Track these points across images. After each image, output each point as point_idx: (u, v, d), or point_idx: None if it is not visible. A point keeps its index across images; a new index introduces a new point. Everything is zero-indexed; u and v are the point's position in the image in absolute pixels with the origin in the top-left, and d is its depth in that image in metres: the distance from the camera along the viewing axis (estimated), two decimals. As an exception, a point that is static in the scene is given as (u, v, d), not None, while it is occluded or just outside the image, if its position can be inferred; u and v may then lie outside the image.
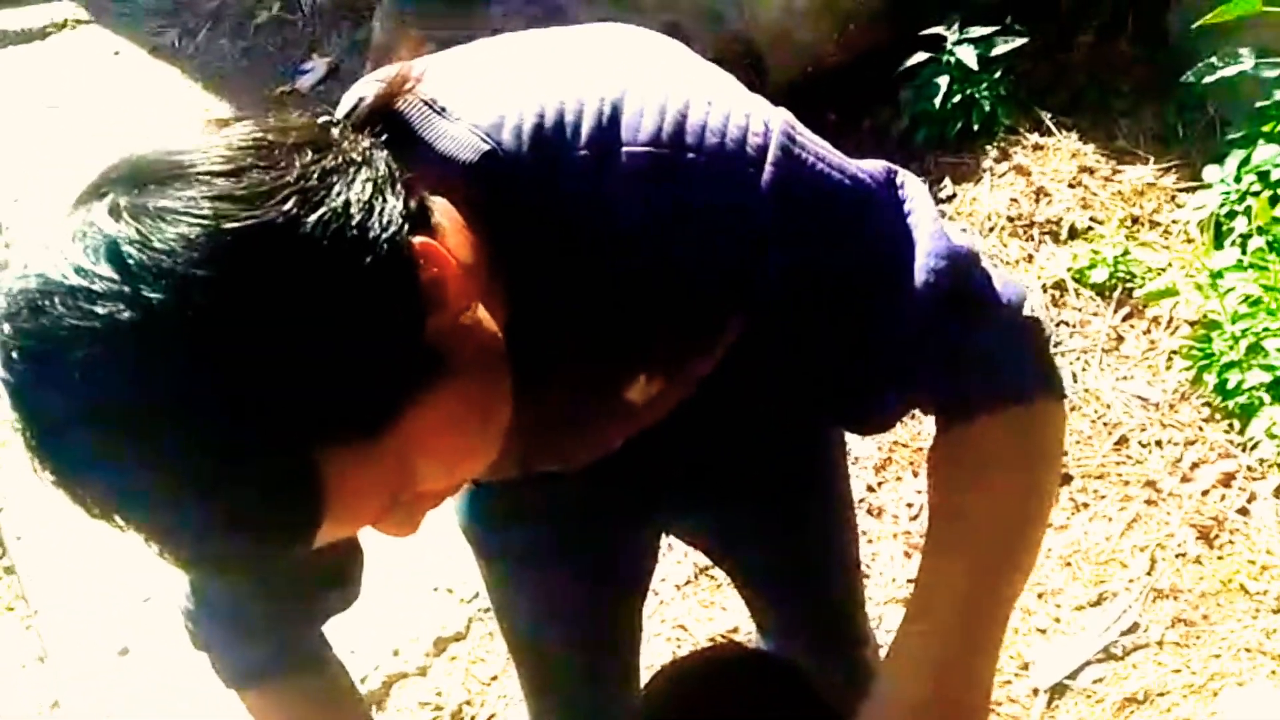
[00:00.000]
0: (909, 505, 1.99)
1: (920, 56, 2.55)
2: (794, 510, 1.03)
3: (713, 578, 2.00)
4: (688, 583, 1.99)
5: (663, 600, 1.95)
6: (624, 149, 0.58)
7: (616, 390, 0.71)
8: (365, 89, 0.62)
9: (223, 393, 0.45)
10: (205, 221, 0.45)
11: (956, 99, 2.55)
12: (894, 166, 0.65)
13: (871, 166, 0.64)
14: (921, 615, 0.65)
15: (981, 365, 0.64)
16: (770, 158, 0.59)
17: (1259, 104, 2.26)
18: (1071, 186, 2.46)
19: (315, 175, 0.48)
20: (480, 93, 0.61)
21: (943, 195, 2.51)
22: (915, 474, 2.04)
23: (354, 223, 0.48)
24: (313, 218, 0.47)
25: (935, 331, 0.62)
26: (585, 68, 0.62)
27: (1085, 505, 1.98)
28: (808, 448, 1.01)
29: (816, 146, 0.63)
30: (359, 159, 0.51)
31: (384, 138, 0.57)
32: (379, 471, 0.51)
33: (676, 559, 1.98)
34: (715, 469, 0.96)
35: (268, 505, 0.47)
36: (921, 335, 0.62)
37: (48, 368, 0.44)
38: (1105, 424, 2.14)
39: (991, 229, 2.41)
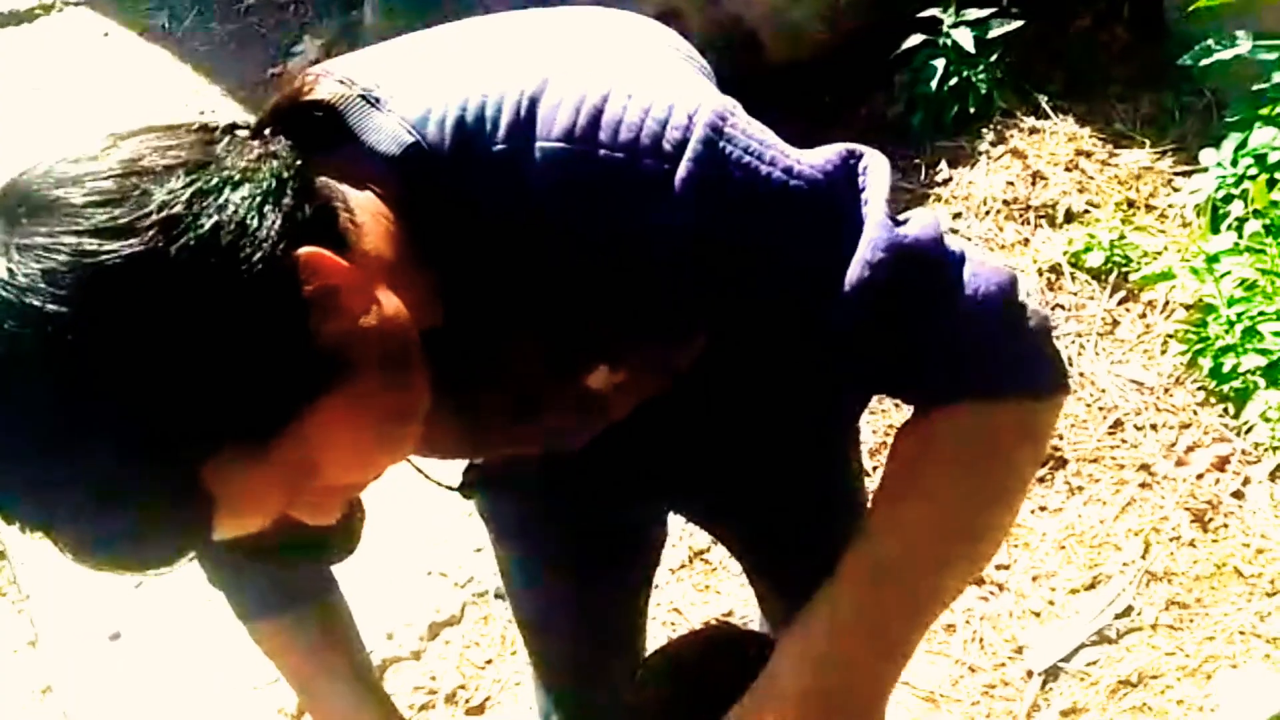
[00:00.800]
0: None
1: (916, 39, 2.54)
2: (798, 499, 1.02)
3: (707, 562, 2.00)
4: (682, 566, 1.99)
5: (657, 584, 1.94)
6: (538, 144, 0.58)
7: (574, 378, 0.70)
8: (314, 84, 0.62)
9: (94, 421, 0.47)
10: (66, 258, 0.46)
11: (953, 82, 2.54)
12: (855, 150, 0.62)
13: (820, 156, 0.61)
14: (825, 599, 0.62)
15: (934, 358, 0.61)
16: (689, 153, 0.57)
17: (1256, 87, 2.25)
18: (1068, 170, 2.46)
19: (184, 200, 0.49)
20: (414, 83, 0.61)
21: (939, 179, 2.50)
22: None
23: (223, 244, 0.49)
24: (175, 246, 0.48)
25: (874, 324, 0.60)
26: (514, 57, 0.62)
27: (1080, 489, 1.98)
28: (808, 438, 1.00)
29: (750, 139, 0.59)
30: (239, 175, 0.52)
31: (296, 137, 0.58)
32: (272, 474, 0.52)
33: (671, 543, 1.98)
34: (709, 457, 0.95)
35: (155, 517, 0.50)
36: (860, 329, 0.60)
37: None
38: (1100, 408, 2.14)
39: (987, 213, 2.40)
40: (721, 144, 0.58)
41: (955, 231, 2.38)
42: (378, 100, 0.60)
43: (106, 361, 0.47)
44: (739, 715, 0.63)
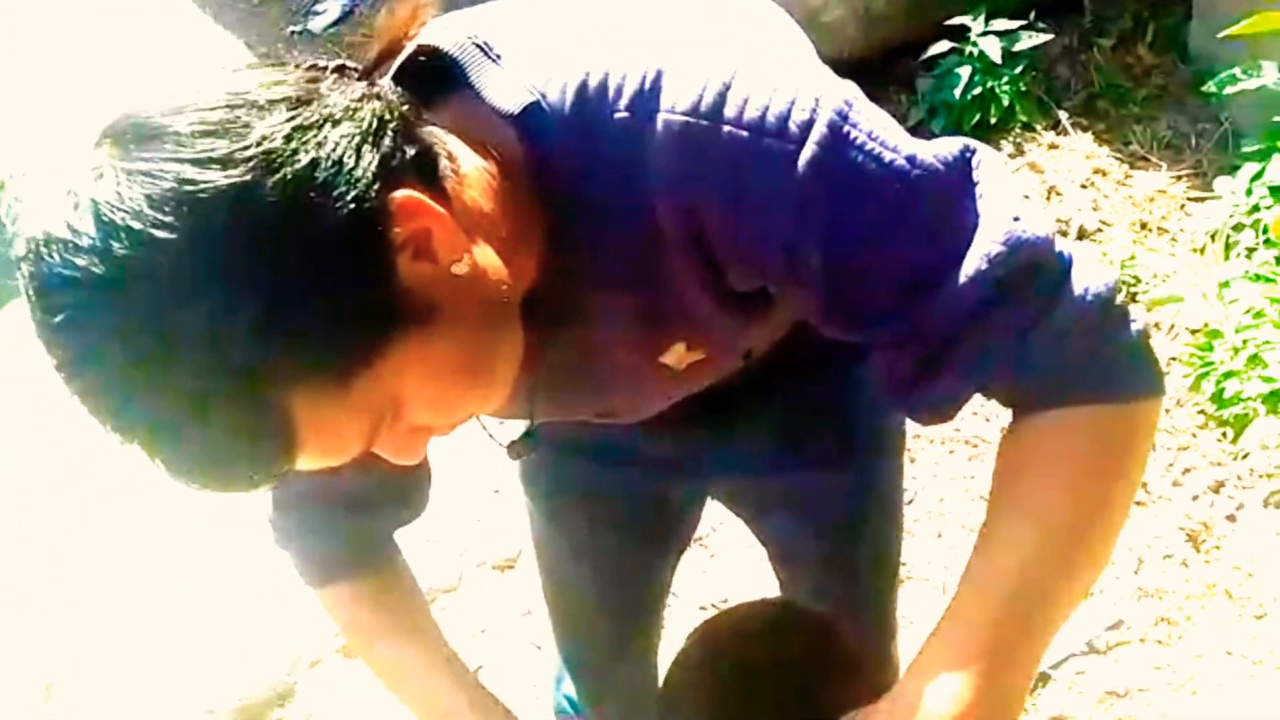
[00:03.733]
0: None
1: (943, 46, 2.55)
2: (840, 492, 1.03)
3: (704, 546, 2.01)
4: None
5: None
6: (661, 115, 0.58)
7: (651, 354, 0.71)
8: (429, 33, 0.62)
9: (184, 343, 0.48)
10: (170, 184, 0.48)
11: (976, 91, 2.55)
12: (970, 144, 0.62)
13: (942, 147, 0.61)
14: (958, 607, 0.61)
15: (1046, 357, 0.61)
16: (814, 135, 0.57)
17: (1277, 118, 2.28)
18: (1084, 188, 2.48)
19: (284, 134, 0.50)
20: (535, 44, 0.62)
21: (955, 187, 2.52)
22: (913, 460, 2.06)
23: (318, 181, 0.50)
24: (272, 180, 0.49)
25: (988, 319, 0.59)
26: (640, 28, 0.62)
27: (1077, 502, 2.01)
28: (862, 431, 1.01)
29: (873, 125, 0.60)
30: (340, 114, 0.53)
31: (409, 83, 0.59)
32: (354, 412, 0.53)
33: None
34: (765, 437, 0.96)
35: (234, 442, 0.51)
36: (972, 321, 0.60)
37: (49, 312, 0.49)
38: (1101, 424, 2.17)
39: (1002, 224, 2.42)
40: (846, 128, 0.58)
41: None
42: (498, 56, 0.60)
43: (198, 286, 0.48)
44: (901, 702, 0.61)
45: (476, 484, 2.22)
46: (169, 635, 1.97)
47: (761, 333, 0.76)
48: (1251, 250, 2.25)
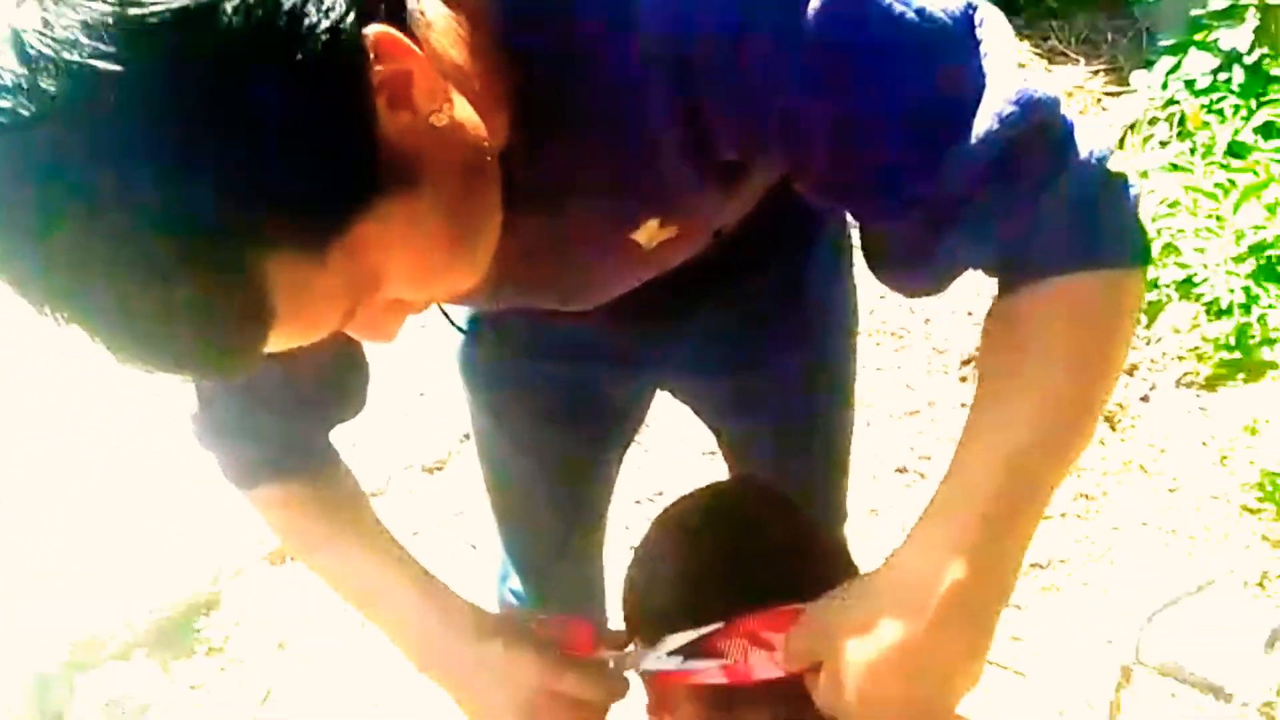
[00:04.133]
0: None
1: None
2: (795, 377, 1.01)
3: (637, 441, 2.00)
4: (613, 448, 2.00)
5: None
6: None
7: (622, 230, 0.67)
8: None
9: (137, 196, 0.42)
10: (108, 8, 0.41)
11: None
12: (975, 2, 0.58)
13: (949, 2, 0.57)
14: (947, 495, 0.60)
15: (1052, 222, 0.58)
16: None
17: (1194, 12, 2.31)
18: (1005, 82, 2.49)
19: None
20: None
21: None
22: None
23: (285, 8, 0.43)
24: (232, 3, 0.42)
25: (1000, 180, 0.57)
26: None
27: (999, 389, 2.06)
28: (819, 313, 0.99)
29: None
30: None
31: None
32: (332, 280, 0.48)
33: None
34: (722, 325, 0.93)
35: (208, 312, 0.45)
36: (984, 183, 0.57)
37: None
38: (1021, 314, 2.21)
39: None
40: None
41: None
42: None
43: (150, 127, 0.41)
44: (868, 597, 0.60)
45: (401, 386, 2.16)
46: (82, 545, 1.89)
47: (736, 207, 0.72)
48: (1165, 143, 2.31)
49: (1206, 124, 2.24)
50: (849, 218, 0.96)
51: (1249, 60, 2.36)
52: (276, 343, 0.49)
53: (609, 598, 1.38)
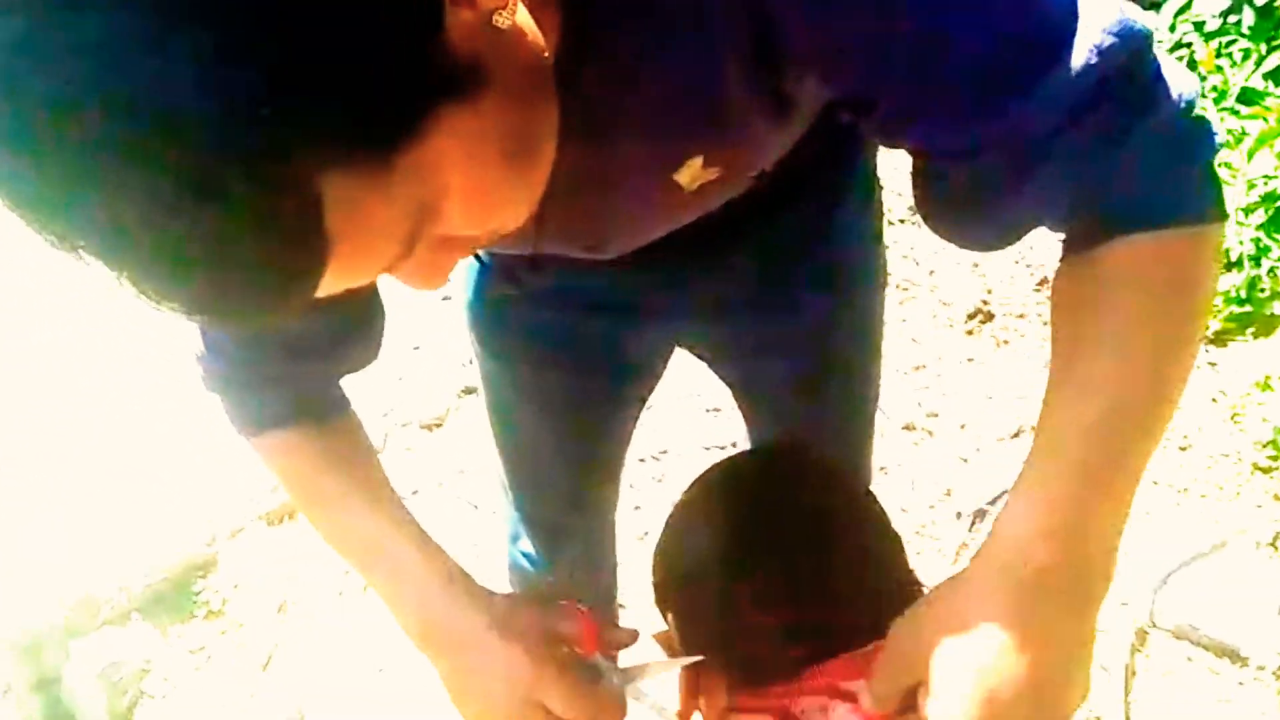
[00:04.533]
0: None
1: None
2: (820, 330, 0.98)
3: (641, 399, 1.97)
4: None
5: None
6: None
7: (665, 167, 0.62)
8: None
9: (168, 98, 0.35)
10: None
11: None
12: None
13: None
14: (1038, 462, 0.56)
15: (1137, 170, 0.54)
16: None
17: (1208, -50, 2.24)
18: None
19: None
20: None
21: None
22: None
23: None
24: None
25: (1090, 119, 0.52)
26: None
27: (1006, 342, 2.03)
28: (848, 261, 0.95)
29: None
30: None
31: None
32: (393, 203, 0.42)
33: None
34: (749, 273, 0.89)
35: (255, 236, 0.38)
36: (1073, 122, 0.52)
37: None
38: (1027, 265, 2.18)
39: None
40: None
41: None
42: None
43: (185, 15, 0.35)
44: (957, 601, 0.56)
45: (395, 340, 2.10)
46: (76, 508, 1.84)
47: (780, 145, 0.67)
48: (1176, 88, 2.25)
49: (1219, 68, 2.18)
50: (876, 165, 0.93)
51: (1259, 1, 2.30)
52: (329, 283, 0.43)
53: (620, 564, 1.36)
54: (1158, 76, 0.54)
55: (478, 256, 0.78)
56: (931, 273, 2.19)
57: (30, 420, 1.99)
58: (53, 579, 1.71)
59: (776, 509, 0.70)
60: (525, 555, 1.24)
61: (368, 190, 0.40)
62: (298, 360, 0.74)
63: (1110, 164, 0.54)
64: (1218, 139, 0.57)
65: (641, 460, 1.89)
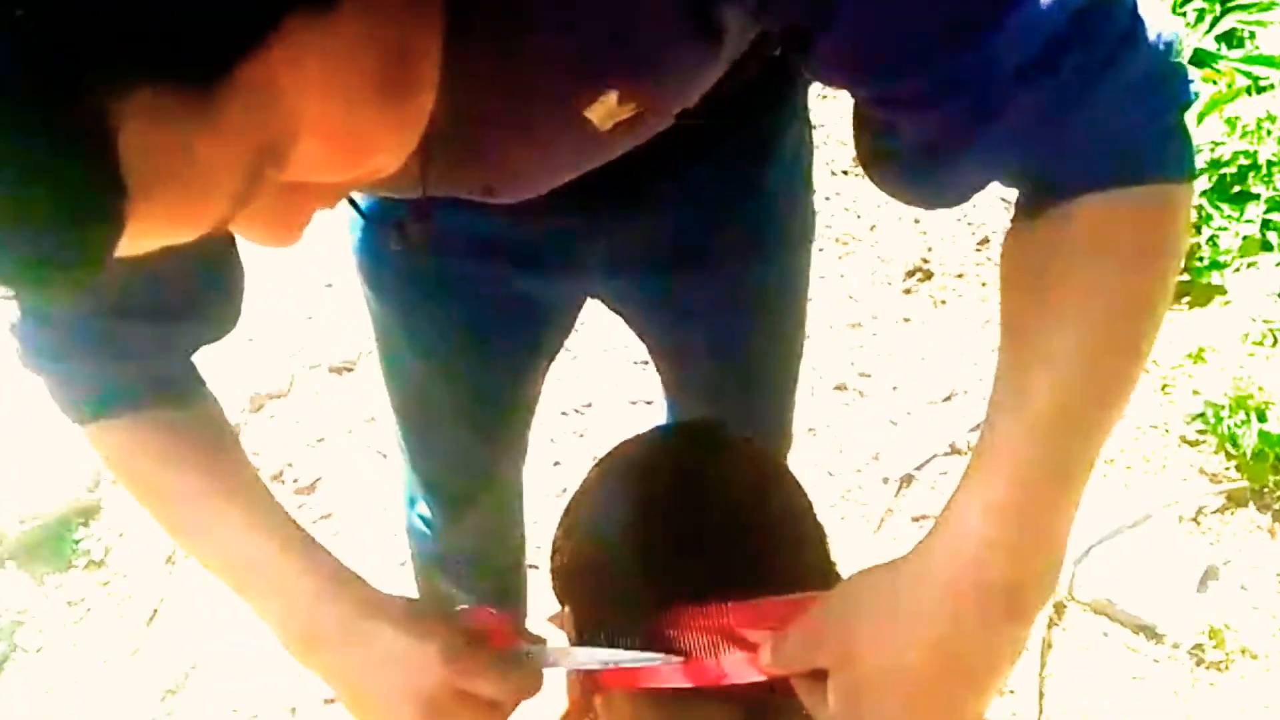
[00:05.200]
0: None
1: None
2: (743, 286, 0.90)
3: (567, 349, 1.88)
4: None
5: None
6: None
7: (575, 104, 0.54)
8: None
9: None
10: None
11: None
12: None
13: None
14: (990, 445, 0.51)
15: (1104, 122, 0.48)
16: None
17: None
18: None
19: None
20: None
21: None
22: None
23: None
24: None
25: (1061, 59, 0.46)
26: None
27: (944, 302, 1.98)
28: (773, 214, 0.87)
29: None
30: None
31: None
32: (222, 141, 0.34)
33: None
34: (666, 224, 0.81)
35: (29, 185, 0.30)
36: (1044, 61, 0.46)
37: None
38: (969, 224, 2.12)
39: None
40: None
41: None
42: None
43: None
44: (891, 594, 0.52)
45: (306, 277, 1.98)
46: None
47: (703, 81, 0.59)
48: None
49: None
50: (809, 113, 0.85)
51: (1215, -39, 2.24)
52: (135, 241, 0.34)
53: (529, 534, 1.28)
54: (1135, 15, 0.47)
55: (355, 205, 0.67)
56: (873, 228, 2.12)
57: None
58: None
59: (692, 503, 0.62)
60: (423, 519, 1.17)
61: (181, 124, 0.32)
62: (139, 327, 0.63)
63: (1079, 112, 0.47)
64: (1194, 89, 0.50)
65: (564, 413, 1.81)
